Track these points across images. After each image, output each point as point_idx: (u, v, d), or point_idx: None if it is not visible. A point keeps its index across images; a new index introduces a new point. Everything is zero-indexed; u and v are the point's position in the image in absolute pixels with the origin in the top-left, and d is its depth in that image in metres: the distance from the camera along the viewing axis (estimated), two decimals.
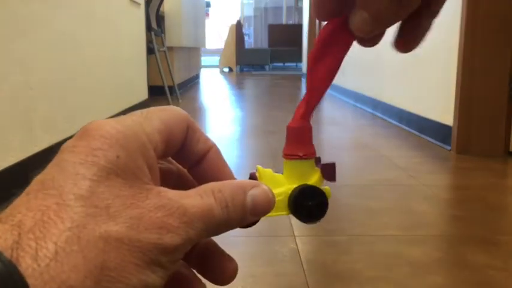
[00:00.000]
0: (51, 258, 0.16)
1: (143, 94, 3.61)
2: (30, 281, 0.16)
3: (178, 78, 5.09)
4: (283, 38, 10.50)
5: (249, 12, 13.24)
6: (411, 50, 0.24)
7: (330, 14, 0.23)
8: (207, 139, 0.24)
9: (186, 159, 0.24)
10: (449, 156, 2.27)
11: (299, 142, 0.24)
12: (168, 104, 3.94)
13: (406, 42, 0.23)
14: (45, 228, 0.17)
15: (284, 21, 12.55)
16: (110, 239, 0.17)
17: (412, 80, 2.94)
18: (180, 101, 4.42)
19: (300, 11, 11.60)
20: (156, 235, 0.18)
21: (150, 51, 3.79)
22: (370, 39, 0.23)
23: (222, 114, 3.76)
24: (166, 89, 3.97)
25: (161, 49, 4.09)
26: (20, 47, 1.67)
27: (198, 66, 7.46)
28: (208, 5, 8.63)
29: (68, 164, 0.18)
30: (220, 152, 0.24)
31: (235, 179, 0.24)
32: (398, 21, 0.22)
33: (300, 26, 9.03)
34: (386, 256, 1.20)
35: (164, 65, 4.14)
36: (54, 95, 1.98)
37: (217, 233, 0.20)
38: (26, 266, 0.16)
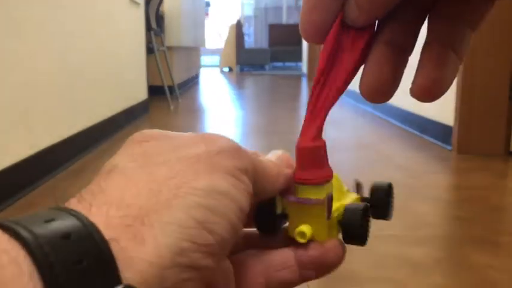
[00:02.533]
0: (97, 193, 0.16)
1: (143, 94, 3.61)
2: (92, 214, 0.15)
3: (178, 78, 5.09)
4: (283, 38, 10.49)
5: (249, 11, 13.24)
6: (437, 96, 0.20)
7: (320, 32, 0.20)
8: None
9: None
10: (450, 156, 2.27)
11: (317, 163, 0.21)
12: (168, 103, 3.94)
13: (429, 82, 0.20)
14: (92, 183, 0.17)
15: (284, 21, 12.55)
16: (156, 164, 0.17)
17: (412, 79, 2.94)
18: (179, 100, 4.42)
19: (300, 10, 11.59)
20: (201, 145, 0.18)
21: (149, 50, 3.79)
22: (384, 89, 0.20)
23: (222, 114, 3.75)
24: (166, 88, 3.97)
25: (161, 49, 4.09)
26: (20, 47, 1.67)
27: (197, 66, 7.46)
28: (207, 4, 8.62)
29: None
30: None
31: None
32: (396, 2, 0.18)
33: None
34: (387, 256, 1.20)
35: (164, 64, 4.13)
36: (54, 95, 1.97)
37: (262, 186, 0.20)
38: (74, 205, 0.16)
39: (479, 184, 1.83)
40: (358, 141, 2.70)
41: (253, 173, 0.18)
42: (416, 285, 1.07)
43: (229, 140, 0.18)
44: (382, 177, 1.84)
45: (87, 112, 2.37)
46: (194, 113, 3.88)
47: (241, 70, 9.77)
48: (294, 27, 10.53)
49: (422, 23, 0.21)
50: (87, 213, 0.15)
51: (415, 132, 2.79)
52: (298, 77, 7.89)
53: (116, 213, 0.15)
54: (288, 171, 0.21)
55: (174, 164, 0.17)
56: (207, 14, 9.55)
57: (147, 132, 0.20)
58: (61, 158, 1.99)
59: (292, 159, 0.22)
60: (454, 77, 0.21)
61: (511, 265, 1.17)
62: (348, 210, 0.21)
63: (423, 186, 1.80)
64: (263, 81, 7.22)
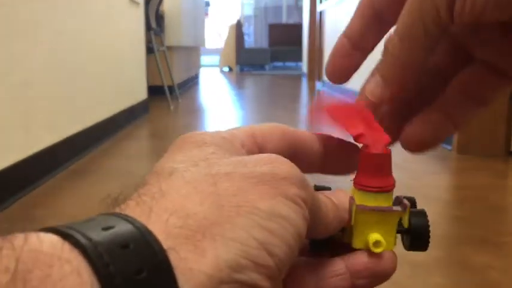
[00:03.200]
0: (158, 197, 0.16)
1: (143, 94, 3.61)
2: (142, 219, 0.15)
3: (178, 77, 5.08)
4: (283, 38, 10.49)
5: (249, 11, 13.24)
6: (420, 151, 0.22)
7: (342, 76, 0.21)
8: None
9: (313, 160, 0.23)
10: (449, 156, 2.27)
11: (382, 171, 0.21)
12: (168, 103, 3.94)
13: (414, 138, 0.22)
14: (151, 183, 0.17)
15: (284, 21, 12.55)
16: (219, 174, 0.17)
17: None
18: (179, 100, 4.42)
19: (300, 10, 11.60)
20: (268, 166, 0.17)
21: (149, 50, 3.79)
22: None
23: (222, 114, 3.76)
24: (166, 88, 3.97)
25: (161, 48, 4.09)
26: (20, 47, 1.67)
27: (197, 66, 7.46)
28: (207, 4, 8.63)
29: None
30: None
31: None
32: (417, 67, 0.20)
33: (300, 26, 9.02)
34: None
35: (164, 64, 4.13)
36: (54, 95, 1.97)
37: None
38: (132, 208, 0.16)
39: (479, 184, 1.83)
40: None
41: (312, 207, 0.18)
42: (416, 285, 1.07)
43: (295, 168, 0.18)
44: None
45: (87, 112, 2.37)
46: (194, 112, 3.88)
47: (241, 70, 9.77)
48: (294, 27, 10.52)
49: (440, 91, 0.22)
50: (146, 220, 0.15)
51: None
52: (299, 77, 7.89)
53: (176, 222, 0.15)
54: (345, 215, 0.20)
55: (238, 180, 0.17)
56: (206, 14, 9.55)
57: (207, 136, 0.19)
58: (61, 158, 1.99)
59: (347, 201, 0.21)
60: (442, 140, 0.22)
61: (511, 265, 1.17)
62: (414, 215, 0.21)
63: (423, 186, 1.80)
64: (263, 81, 7.22)
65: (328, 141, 0.23)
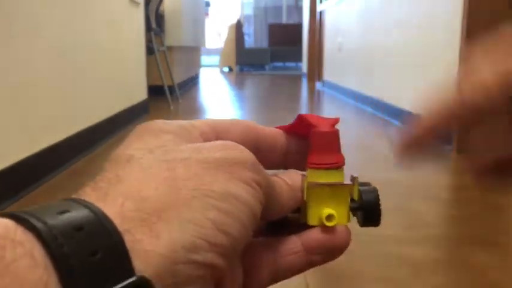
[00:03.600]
0: (114, 182, 0.16)
1: (143, 94, 3.61)
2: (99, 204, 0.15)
3: (178, 77, 5.09)
4: (283, 38, 10.49)
5: (249, 11, 13.24)
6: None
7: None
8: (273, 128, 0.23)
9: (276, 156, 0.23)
10: (449, 156, 2.27)
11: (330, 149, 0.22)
12: (168, 103, 3.94)
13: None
14: (107, 170, 0.17)
15: (284, 21, 12.55)
16: (175, 160, 0.17)
17: (413, 79, 2.94)
18: (179, 100, 4.42)
19: (300, 10, 11.60)
20: (222, 152, 0.18)
21: (149, 51, 3.79)
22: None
23: (222, 114, 3.76)
24: (166, 88, 3.97)
25: (161, 49, 4.09)
26: (20, 47, 1.67)
27: (197, 66, 7.46)
28: (207, 4, 8.62)
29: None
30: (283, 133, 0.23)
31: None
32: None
33: (300, 26, 9.02)
34: (386, 256, 1.20)
35: (164, 64, 4.13)
36: (54, 95, 1.97)
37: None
38: (88, 194, 0.16)
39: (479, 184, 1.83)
40: (357, 141, 2.70)
41: (267, 189, 0.19)
42: (416, 285, 1.07)
43: (249, 153, 0.19)
44: (382, 176, 1.84)
45: (87, 112, 2.37)
46: (194, 113, 3.88)
47: (241, 70, 9.77)
48: (294, 27, 10.52)
49: None
50: (102, 204, 0.15)
51: None
52: (299, 77, 7.89)
53: (132, 206, 0.15)
54: (299, 194, 0.21)
55: (193, 165, 0.17)
56: (207, 14, 9.55)
57: (164, 124, 0.20)
58: (61, 157, 2.00)
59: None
60: None
61: (510, 265, 1.17)
62: (364, 192, 0.22)
63: (423, 186, 1.80)
64: (263, 82, 7.22)
65: (291, 138, 0.23)
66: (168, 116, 3.60)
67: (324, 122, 0.22)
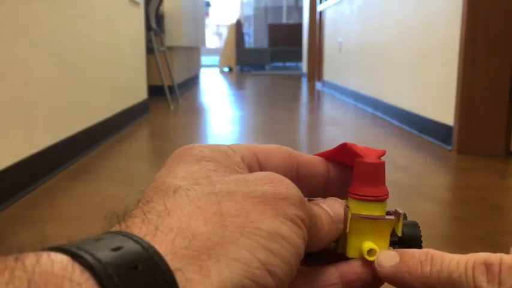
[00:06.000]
0: (164, 215, 0.16)
1: (143, 94, 3.61)
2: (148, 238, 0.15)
3: (178, 78, 5.09)
4: (283, 38, 10.49)
5: (249, 11, 13.24)
6: None
7: None
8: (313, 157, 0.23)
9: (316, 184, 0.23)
10: (450, 156, 2.27)
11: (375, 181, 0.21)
12: (168, 103, 3.94)
13: None
14: (155, 200, 0.17)
15: (284, 21, 12.55)
16: (221, 193, 0.17)
17: (412, 80, 2.94)
18: (180, 101, 4.42)
19: (300, 10, 11.60)
20: (269, 186, 0.18)
21: (149, 50, 3.79)
22: None
23: (222, 114, 3.76)
24: (166, 88, 3.97)
25: (161, 49, 4.09)
26: (20, 47, 1.67)
27: (198, 66, 7.46)
28: (208, 4, 8.62)
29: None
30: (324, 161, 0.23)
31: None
32: None
33: (300, 26, 9.03)
34: None
35: (164, 64, 4.13)
36: (54, 95, 1.98)
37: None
38: (138, 226, 0.16)
39: (479, 184, 1.83)
40: (357, 141, 2.69)
41: (310, 224, 0.19)
42: None
43: (295, 188, 0.18)
44: None
45: (87, 112, 2.37)
46: (194, 113, 3.88)
47: (241, 70, 9.77)
48: (294, 27, 10.53)
49: None
50: (152, 239, 0.15)
51: (415, 132, 2.79)
52: (299, 77, 7.89)
53: (182, 242, 0.15)
54: (340, 226, 0.21)
55: (240, 199, 0.17)
56: (207, 14, 9.55)
57: (206, 149, 0.19)
58: (61, 157, 2.00)
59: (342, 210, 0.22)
60: None
61: None
62: (406, 226, 0.21)
63: (423, 186, 1.80)
64: (263, 82, 7.22)
65: (332, 166, 0.23)
66: (168, 116, 3.60)
67: (370, 153, 0.21)
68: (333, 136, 2.85)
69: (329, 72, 5.70)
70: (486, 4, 2.20)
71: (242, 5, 13.33)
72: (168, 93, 3.97)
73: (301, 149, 2.62)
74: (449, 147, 2.37)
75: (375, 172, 0.21)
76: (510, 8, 2.20)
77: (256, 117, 3.55)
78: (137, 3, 3.43)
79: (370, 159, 0.21)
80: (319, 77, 6.27)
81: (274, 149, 0.22)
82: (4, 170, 1.54)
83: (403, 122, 3.04)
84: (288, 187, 0.18)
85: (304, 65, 7.73)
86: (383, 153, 0.21)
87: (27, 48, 1.73)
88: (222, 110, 4.03)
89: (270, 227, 0.17)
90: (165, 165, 0.19)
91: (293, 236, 0.17)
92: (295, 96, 5.33)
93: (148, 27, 3.75)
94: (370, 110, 3.81)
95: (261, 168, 0.21)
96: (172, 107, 3.93)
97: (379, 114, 3.56)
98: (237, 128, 3.18)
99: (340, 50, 5.02)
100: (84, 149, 2.25)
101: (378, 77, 3.65)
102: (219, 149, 0.20)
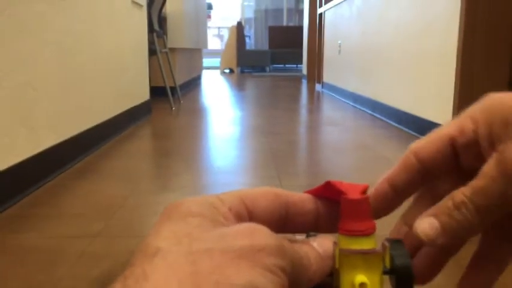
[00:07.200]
0: (141, 280, 0.17)
1: (145, 95, 3.63)
2: None
3: (180, 79, 5.11)
4: (284, 40, 10.52)
5: (250, 14, 13.27)
6: None
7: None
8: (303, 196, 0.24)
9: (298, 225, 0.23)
10: None
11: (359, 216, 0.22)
12: (170, 104, 3.97)
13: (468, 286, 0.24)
14: (136, 264, 0.18)
15: (284, 23, 12.57)
16: (199, 251, 0.17)
17: (411, 81, 2.96)
18: (181, 102, 4.45)
19: (300, 12, 11.62)
20: (247, 239, 0.18)
21: (151, 52, 3.82)
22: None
23: (223, 115, 3.78)
24: (168, 89, 4.00)
25: (163, 50, 4.12)
26: (23, 48, 1.69)
27: (199, 68, 7.49)
28: (209, 6, 8.65)
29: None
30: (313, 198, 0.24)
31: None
32: (475, 234, 0.22)
33: (300, 28, 9.06)
34: None
35: (166, 66, 4.16)
36: (57, 95, 1.99)
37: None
38: None
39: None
40: (356, 142, 2.73)
41: (292, 270, 0.19)
42: (417, 285, 1.10)
43: (273, 237, 0.19)
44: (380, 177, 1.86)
45: (90, 112, 2.39)
46: (196, 113, 3.90)
47: (242, 72, 9.79)
48: (295, 29, 10.55)
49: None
50: None
51: (414, 133, 2.82)
52: (299, 79, 7.92)
53: None
54: (330, 262, 0.21)
55: (217, 256, 0.17)
56: (209, 16, 9.58)
57: (193, 205, 0.20)
58: (64, 158, 2.02)
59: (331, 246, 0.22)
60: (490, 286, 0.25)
61: (511, 265, 1.19)
62: (396, 257, 0.22)
63: None
64: (263, 83, 7.24)
65: (321, 202, 0.23)
66: (170, 116, 3.63)
67: (353, 189, 0.22)
68: (332, 137, 2.87)
69: (329, 74, 5.73)
70: (484, 7, 2.22)
71: (243, 7, 13.36)
72: (170, 94, 4.00)
73: (301, 149, 2.65)
74: None
75: (360, 207, 0.22)
76: (508, 10, 2.22)
77: (257, 118, 3.58)
78: (140, 5, 3.46)
79: (353, 195, 0.22)
80: (319, 79, 6.29)
81: (260, 193, 0.22)
82: (7, 169, 1.55)
83: (401, 123, 3.06)
84: (265, 237, 0.18)
85: (304, 67, 7.76)
86: (366, 188, 0.22)
87: (31, 48, 1.75)
88: (223, 111, 4.05)
89: (245, 280, 0.17)
90: (155, 223, 0.20)
91: (269, 286, 0.17)
92: (295, 98, 5.36)
93: (150, 29, 3.78)
94: (369, 111, 3.83)
95: (249, 213, 0.21)
96: (174, 108, 3.96)
97: (377, 115, 3.59)
98: (237, 128, 3.20)
99: (339, 52, 5.05)
100: (87, 149, 2.27)
101: (377, 79, 3.67)
102: (206, 202, 0.20)
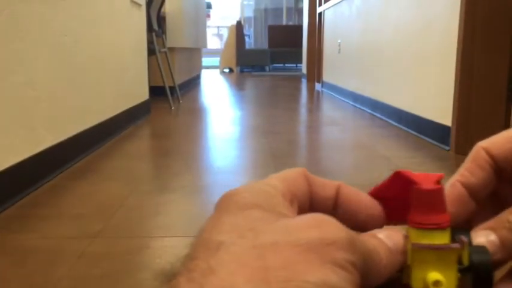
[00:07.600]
0: (207, 274, 0.16)
1: (144, 94, 3.63)
2: None
3: (179, 78, 5.11)
4: (283, 39, 10.51)
5: (249, 13, 13.27)
6: None
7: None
8: (331, 182, 0.22)
9: (320, 208, 0.22)
10: (448, 157, 2.29)
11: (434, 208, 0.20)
12: (169, 104, 3.97)
13: None
14: (199, 258, 0.17)
15: (284, 22, 12.57)
16: (264, 245, 0.16)
17: (411, 80, 2.97)
18: (180, 101, 4.45)
19: (300, 12, 11.62)
20: (315, 232, 0.17)
21: (151, 52, 3.81)
22: None
23: (223, 115, 3.78)
24: (167, 89, 4.00)
25: (162, 50, 4.11)
26: (22, 47, 1.69)
27: (199, 67, 7.48)
28: (209, 6, 8.65)
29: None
30: (347, 185, 0.22)
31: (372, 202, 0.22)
32: None
33: (300, 27, 9.05)
34: None
35: (165, 65, 4.16)
36: (56, 95, 2.00)
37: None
38: (183, 286, 0.16)
39: None
40: (356, 141, 2.73)
41: (363, 265, 0.18)
42: None
43: (344, 229, 0.17)
44: (380, 177, 1.86)
45: (89, 112, 2.39)
46: (195, 113, 3.90)
47: (242, 71, 9.79)
48: (294, 28, 10.55)
49: None
50: None
51: (413, 132, 2.82)
52: (298, 78, 7.92)
53: None
54: (400, 257, 0.20)
55: (284, 249, 0.16)
56: (208, 16, 9.57)
57: (249, 195, 0.19)
58: (64, 157, 2.02)
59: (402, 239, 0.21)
60: None
61: (508, 264, 1.19)
62: (474, 253, 0.20)
63: None
64: (263, 82, 7.24)
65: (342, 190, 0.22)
66: (169, 116, 3.62)
67: (426, 179, 0.20)
68: (331, 136, 2.87)
69: (328, 73, 5.73)
70: (484, 7, 2.22)
71: (242, 6, 13.36)
72: (169, 93, 4.00)
73: (300, 148, 2.65)
74: (447, 148, 2.39)
75: (434, 199, 0.20)
76: (508, 10, 2.22)
77: (257, 118, 3.58)
78: (139, 5, 3.46)
79: (428, 185, 0.20)
80: (319, 78, 6.29)
81: (297, 176, 0.21)
82: (7, 169, 1.55)
83: (401, 122, 3.06)
84: (335, 230, 0.17)
85: (303, 66, 7.76)
86: (441, 178, 0.21)
87: (30, 48, 1.75)
88: (222, 111, 4.05)
89: (317, 278, 0.16)
90: (211, 216, 0.19)
91: (342, 284, 0.16)
92: (295, 97, 5.36)
93: (150, 29, 3.77)
94: (368, 110, 3.83)
95: (293, 199, 0.20)
96: (173, 108, 3.96)
97: (377, 114, 3.59)
98: (237, 128, 3.20)
99: (339, 51, 5.05)
100: (86, 149, 2.27)
101: (377, 78, 3.67)
102: (261, 191, 0.19)
